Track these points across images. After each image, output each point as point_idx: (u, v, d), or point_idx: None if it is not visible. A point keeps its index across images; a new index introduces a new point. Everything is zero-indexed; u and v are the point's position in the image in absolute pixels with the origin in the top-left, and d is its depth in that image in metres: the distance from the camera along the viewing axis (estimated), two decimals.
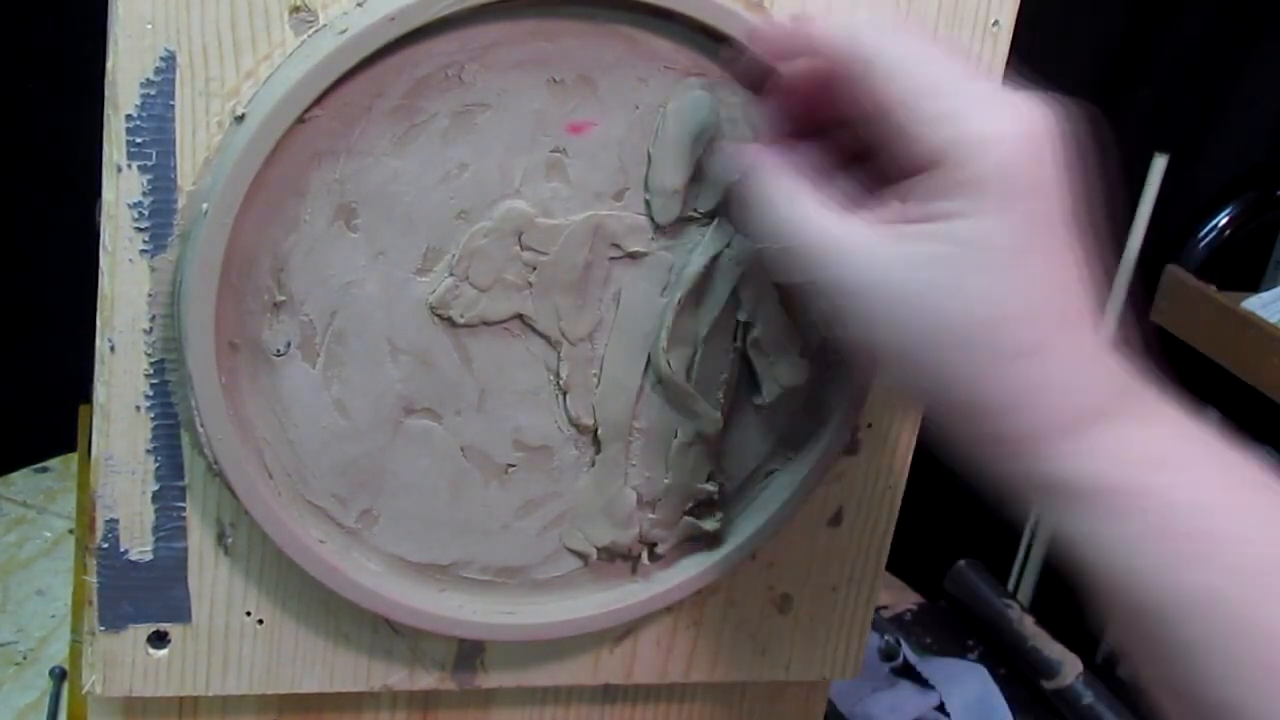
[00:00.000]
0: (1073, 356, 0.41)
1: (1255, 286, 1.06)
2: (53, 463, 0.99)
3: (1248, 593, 0.38)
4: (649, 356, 0.50)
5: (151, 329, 0.46)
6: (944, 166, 0.40)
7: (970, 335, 0.40)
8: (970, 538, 1.04)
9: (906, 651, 0.89)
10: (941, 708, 0.85)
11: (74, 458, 0.92)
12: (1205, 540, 0.39)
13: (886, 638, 0.90)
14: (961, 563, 1.00)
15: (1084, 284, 0.42)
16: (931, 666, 0.88)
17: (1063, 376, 0.40)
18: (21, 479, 0.97)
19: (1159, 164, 1.02)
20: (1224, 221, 1.06)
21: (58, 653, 0.79)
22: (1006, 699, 0.87)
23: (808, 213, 0.42)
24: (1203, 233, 1.07)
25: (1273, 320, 0.90)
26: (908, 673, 0.88)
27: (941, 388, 0.41)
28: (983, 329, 0.40)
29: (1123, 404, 0.41)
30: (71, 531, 0.90)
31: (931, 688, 0.86)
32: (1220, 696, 0.38)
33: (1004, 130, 0.40)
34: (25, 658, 0.80)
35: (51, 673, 0.75)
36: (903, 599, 0.99)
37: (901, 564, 0.58)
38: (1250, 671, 0.38)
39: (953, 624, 0.97)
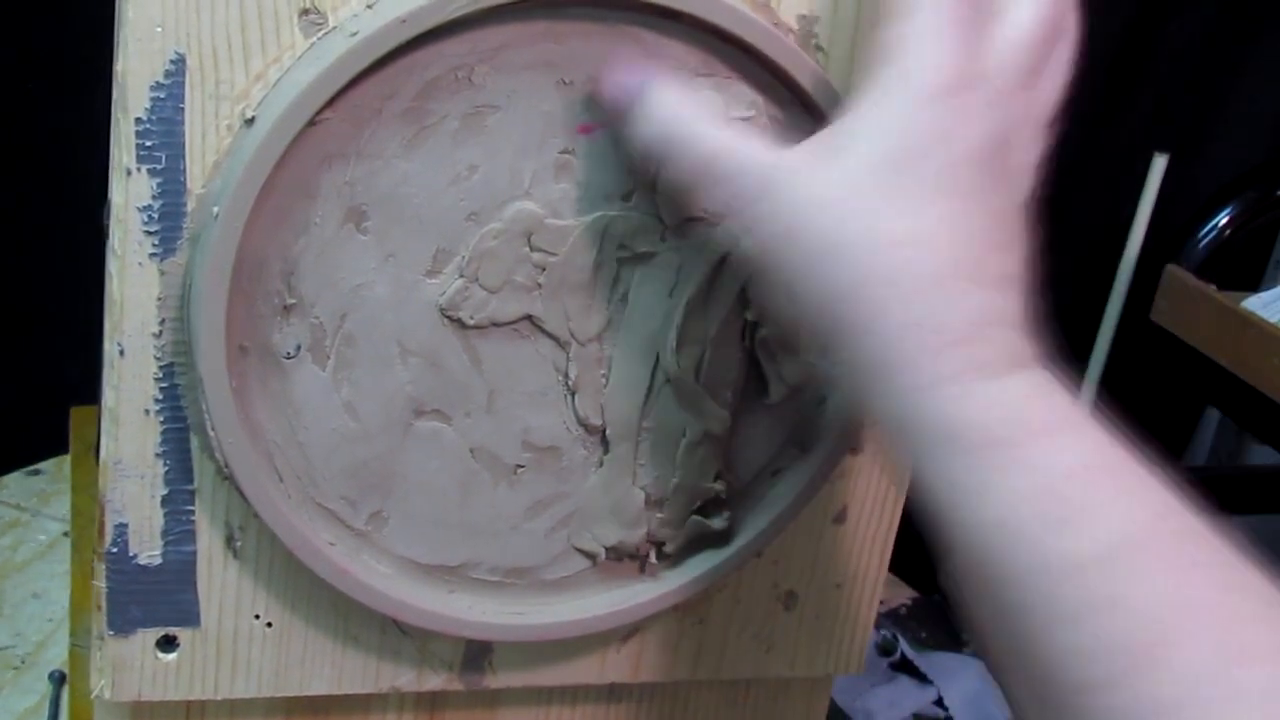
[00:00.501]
0: (983, 305, 0.40)
1: (1255, 286, 1.06)
2: (45, 465, 0.99)
3: (1111, 568, 0.37)
4: (657, 356, 0.50)
5: (161, 333, 0.46)
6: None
7: (885, 254, 0.40)
8: None
9: (904, 646, 0.89)
10: (940, 702, 0.86)
11: (66, 460, 0.92)
12: (1078, 509, 0.38)
13: (884, 633, 0.90)
14: None
15: (1013, 251, 0.41)
16: (929, 661, 0.89)
17: (969, 318, 0.40)
18: (14, 482, 0.97)
19: (1159, 164, 1.03)
20: (1224, 221, 1.07)
21: (56, 656, 0.79)
22: (1002, 692, 0.88)
23: (708, 127, 0.43)
24: (1203, 233, 1.08)
25: (1273, 320, 0.91)
26: (906, 668, 0.88)
27: (840, 305, 0.40)
28: (900, 247, 0.40)
29: (1017, 366, 0.40)
30: (66, 534, 0.90)
31: (929, 682, 0.87)
32: (1070, 674, 0.37)
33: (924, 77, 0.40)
34: (23, 661, 0.79)
35: (51, 677, 0.75)
36: (898, 594, 0.99)
37: (896, 559, 0.59)
38: (1105, 650, 0.37)
39: (948, 618, 0.97)
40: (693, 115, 0.44)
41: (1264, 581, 0.38)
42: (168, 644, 0.50)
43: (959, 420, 0.39)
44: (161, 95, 0.43)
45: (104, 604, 0.49)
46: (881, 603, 0.96)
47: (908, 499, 0.56)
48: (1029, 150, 0.43)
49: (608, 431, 0.50)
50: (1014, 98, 0.42)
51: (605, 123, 0.46)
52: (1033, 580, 0.38)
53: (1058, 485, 0.39)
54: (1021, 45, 0.42)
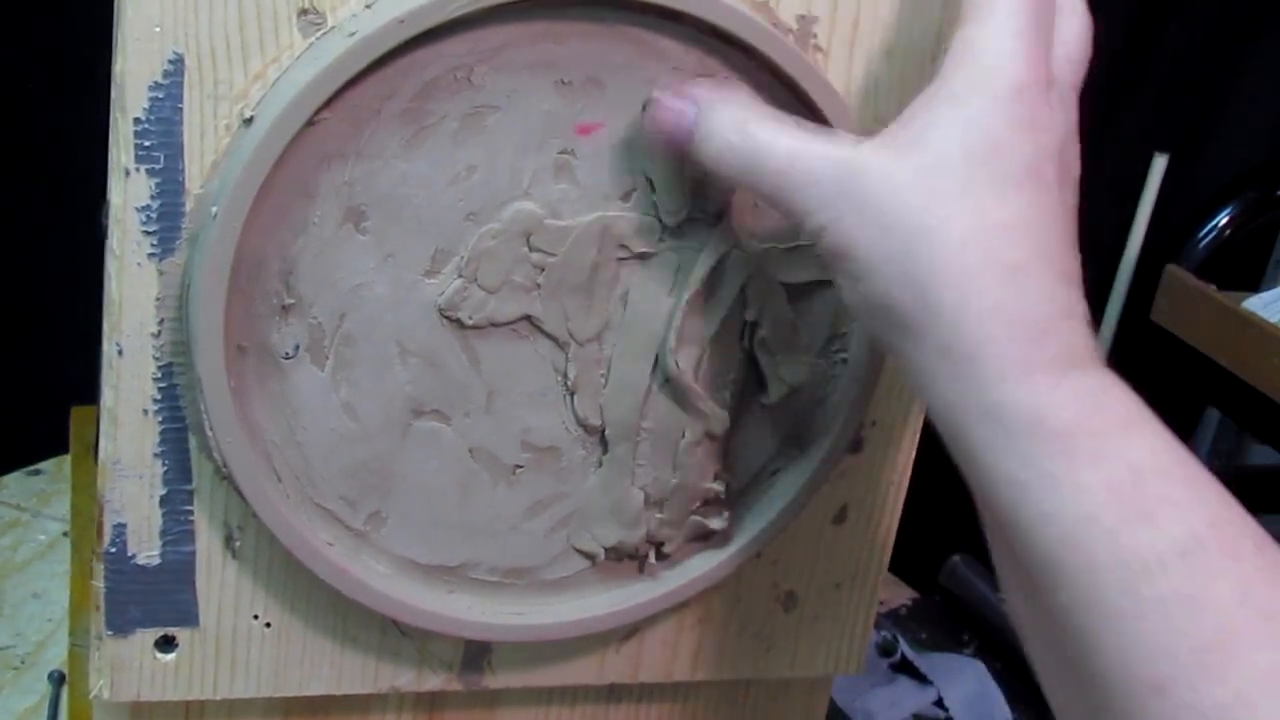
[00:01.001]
0: (1063, 298, 0.40)
1: (1255, 286, 1.06)
2: (45, 465, 0.99)
3: (1190, 565, 0.37)
4: (656, 357, 0.50)
5: (160, 333, 0.46)
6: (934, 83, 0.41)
7: (973, 240, 0.40)
8: (964, 533, 1.05)
9: (904, 647, 0.89)
10: (940, 703, 0.86)
11: (66, 460, 0.92)
12: (1157, 504, 0.38)
13: (884, 633, 0.90)
14: (956, 557, 1.00)
15: (1077, 249, 0.42)
16: (929, 662, 0.89)
17: (1052, 309, 0.40)
18: (14, 482, 0.97)
19: (1159, 164, 1.03)
20: (1224, 221, 1.07)
21: (55, 656, 0.79)
22: (1003, 693, 0.88)
23: (777, 135, 0.43)
24: (1203, 233, 1.08)
25: (1273, 320, 0.90)
26: (906, 668, 0.88)
27: (925, 291, 0.40)
28: (987, 234, 0.40)
29: (1091, 361, 0.41)
30: (66, 534, 0.90)
31: (929, 683, 0.87)
32: (1141, 670, 0.37)
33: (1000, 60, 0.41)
34: (23, 661, 0.79)
35: (50, 677, 0.75)
36: (897, 594, 0.99)
37: (895, 559, 0.58)
38: (1181, 648, 0.37)
39: (948, 619, 0.97)
40: (758, 127, 0.43)
41: None
42: (166, 644, 0.50)
43: (1044, 410, 0.39)
44: (160, 95, 0.43)
45: (103, 604, 0.49)
46: (881, 603, 0.96)
47: (908, 500, 0.56)
48: (1078, 156, 0.44)
49: (607, 432, 0.50)
50: (1072, 107, 0.43)
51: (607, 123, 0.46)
52: (1110, 575, 0.38)
53: (1138, 480, 0.39)
54: (1074, 58, 0.43)
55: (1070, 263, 0.41)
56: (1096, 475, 0.39)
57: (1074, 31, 0.44)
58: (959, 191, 0.40)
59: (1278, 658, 0.37)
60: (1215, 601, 0.37)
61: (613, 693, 0.58)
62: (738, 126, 0.43)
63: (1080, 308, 0.41)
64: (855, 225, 0.41)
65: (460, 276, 0.47)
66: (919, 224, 0.40)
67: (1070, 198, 0.42)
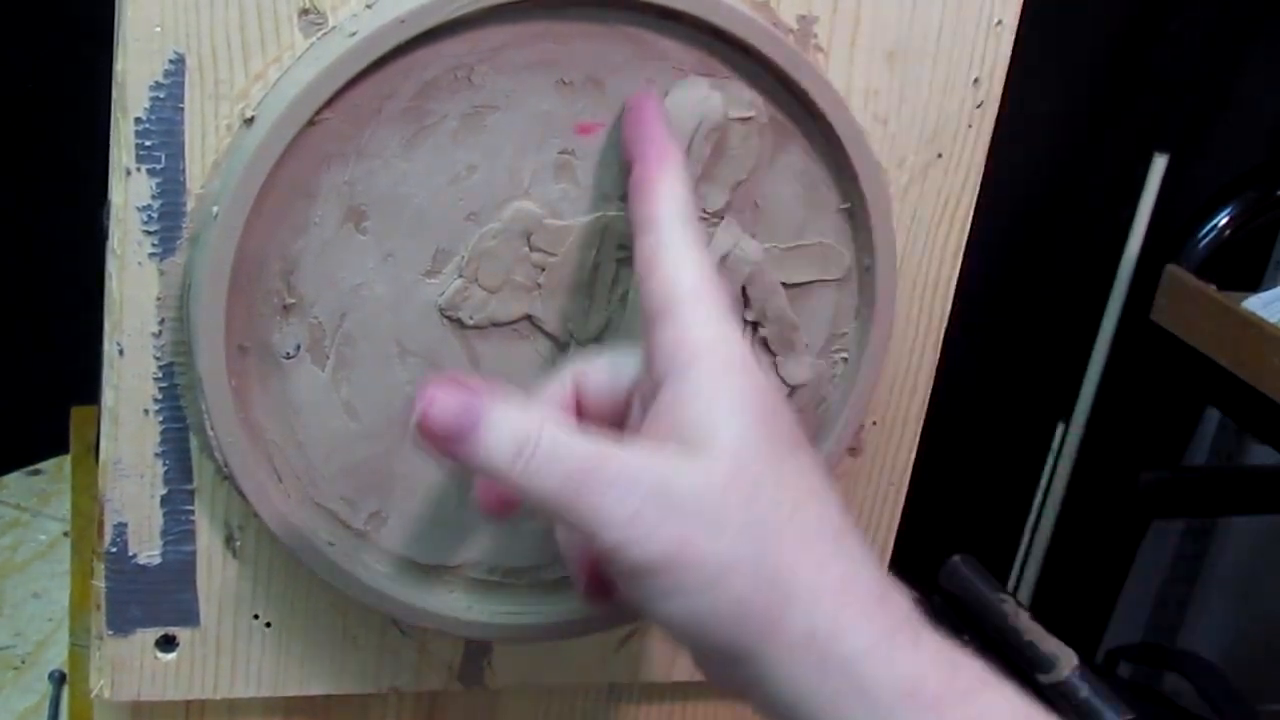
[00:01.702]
0: (874, 561, 0.40)
1: (1255, 286, 1.06)
2: (45, 465, 0.99)
3: None
4: None
5: (160, 332, 0.46)
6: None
7: (801, 522, 0.39)
8: (964, 533, 1.05)
9: None
10: None
11: (66, 460, 0.92)
12: None
13: None
14: (955, 558, 1.00)
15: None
16: None
17: (878, 571, 0.40)
18: (14, 481, 0.97)
19: (1159, 164, 1.03)
20: (1224, 221, 1.07)
21: (56, 656, 0.79)
22: None
23: (567, 440, 0.40)
24: (1203, 233, 1.08)
25: (1273, 320, 0.90)
26: None
27: (779, 586, 0.39)
28: (810, 511, 0.39)
29: (925, 624, 0.40)
30: (66, 534, 0.90)
31: None
32: None
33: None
34: (24, 661, 0.79)
35: (51, 676, 0.75)
36: None
37: (895, 559, 0.58)
38: None
39: (947, 619, 0.97)
40: (551, 431, 0.39)
41: None
42: (167, 644, 0.50)
43: (913, 679, 0.38)
44: (161, 95, 0.43)
45: (103, 603, 0.49)
46: None
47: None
48: None
49: None
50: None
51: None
52: None
53: None
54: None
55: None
56: None
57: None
58: (775, 479, 0.39)
59: None
60: None
61: (613, 692, 0.58)
62: (522, 435, 0.39)
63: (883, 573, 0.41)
64: (691, 534, 0.38)
65: (461, 276, 0.47)
66: (754, 521, 0.39)
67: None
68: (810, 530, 0.39)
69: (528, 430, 0.39)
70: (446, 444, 0.39)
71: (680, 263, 0.42)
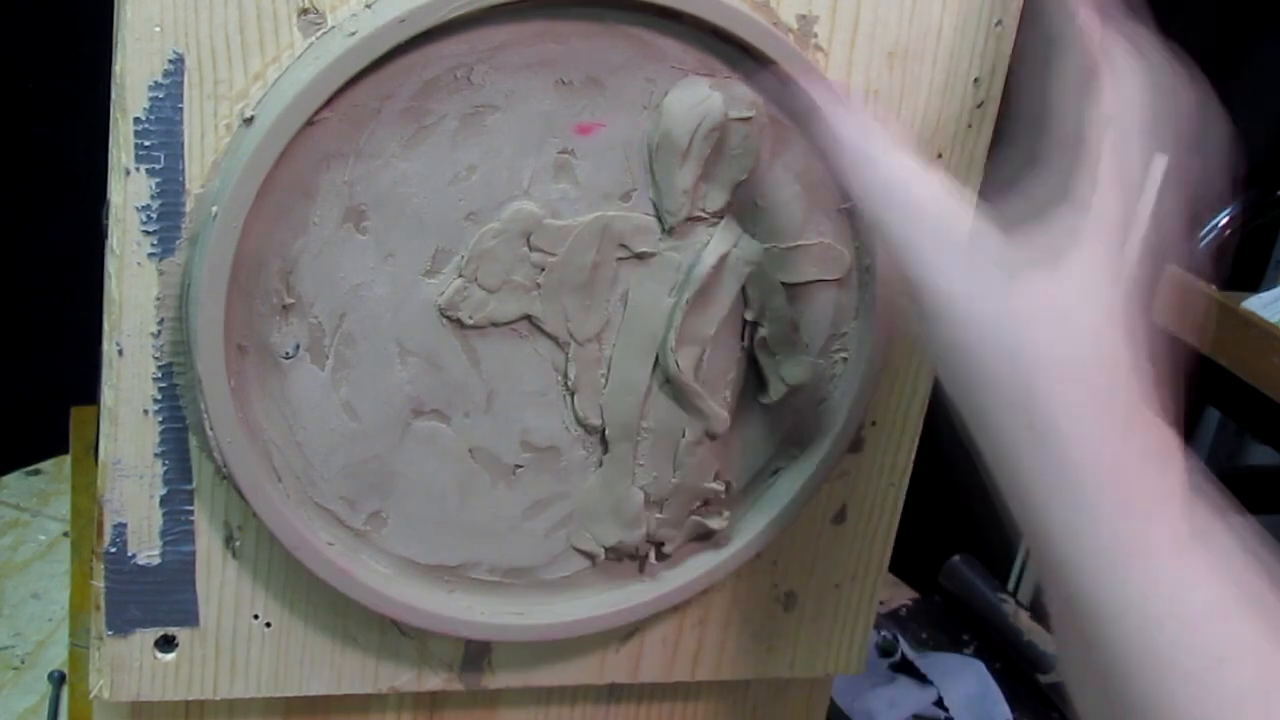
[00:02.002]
0: (1165, 435, 0.42)
1: (1255, 286, 1.06)
2: (45, 465, 0.99)
3: (1268, 703, 0.38)
4: (656, 356, 0.50)
5: (160, 332, 0.46)
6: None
7: (1094, 378, 0.41)
8: (963, 533, 1.05)
9: (904, 647, 0.89)
10: (940, 703, 0.86)
11: (66, 460, 0.92)
12: (1202, 569, 0.39)
13: (884, 634, 0.90)
14: (956, 558, 1.00)
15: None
16: (929, 662, 0.89)
17: (1165, 439, 0.42)
18: (14, 482, 0.97)
19: (1159, 164, 1.03)
20: (1224, 221, 1.07)
21: (56, 656, 0.79)
22: (1003, 693, 0.88)
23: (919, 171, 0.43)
24: (1203, 233, 1.08)
25: (1273, 320, 0.90)
26: (906, 668, 0.88)
27: (1031, 407, 0.41)
28: (1105, 376, 0.41)
29: (1188, 496, 0.42)
30: (66, 534, 0.90)
31: (930, 683, 0.87)
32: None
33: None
34: (23, 661, 0.79)
35: (50, 677, 0.75)
36: (898, 595, 0.99)
37: (896, 559, 0.59)
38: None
39: (948, 619, 0.97)
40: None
41: None
42: (167, 644, 0.50)
43: (1144, 545, 0.40)
44: (160, 95, 0.43)
45: (103, 604, 0.49)
46: (881, 603, 0.96)
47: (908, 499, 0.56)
48: None
49: (607, 432, 0.50)
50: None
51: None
52: (1181, 671, 0.39)
53: (1219, 620, 0.39)
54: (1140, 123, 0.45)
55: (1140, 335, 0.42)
56: (1155, 532, 0.40)
57: (1132, 92, 0.44)
58: (1094, 332, 0.41)
59: None
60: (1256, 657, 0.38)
61: (613, 693, 0.58)
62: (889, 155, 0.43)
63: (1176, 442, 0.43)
64: (986, 337, 0.41)
65: (460, 276, 0.47)
66: (1039, 321, 0.41)
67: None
68: (1083, 376, 0.41)
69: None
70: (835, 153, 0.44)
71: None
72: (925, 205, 0.42)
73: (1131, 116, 0.44)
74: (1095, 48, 0.44)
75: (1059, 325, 0.41)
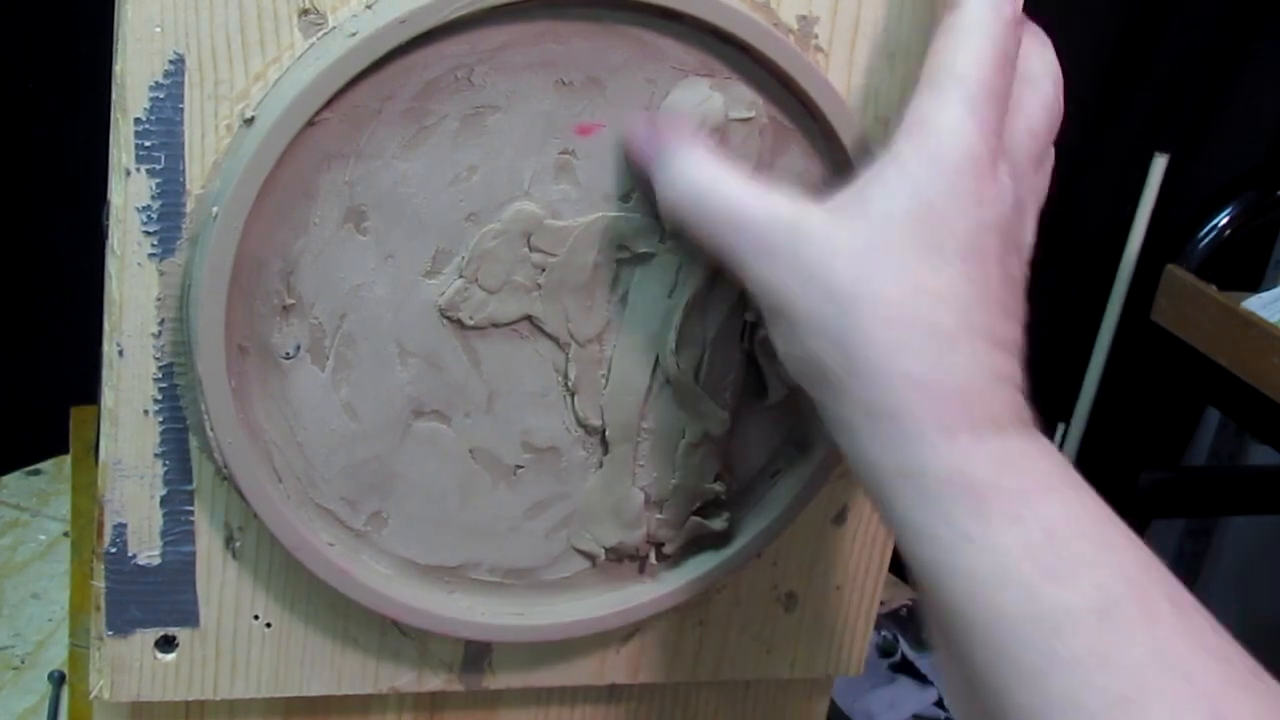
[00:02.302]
0: (994, 364, 0.41)
1: (1255, 286, 1.06)
2: (45, 465, 0.99)
3: (1105, 622, 0.38)
4: (657, 357, 0.50)
5: (160, 333, 0.46)
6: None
7: (907, 303, 0.41)
8: None
9: (905, 647, 0.89)
10: (940, 704, 0.86)
11: (66, 460, 0.92)
12: (1075, 563, 0.39)
13: (884, 634, 0.90)
14: None
15: (1018, 320, 0.43)
16: (929, 662, 0.89)
17: (980, 374, 0.41)
18: (14, 481, 0.97)
19: (1159, 164, 1.03)
20: (1224, 221, 1.07)
21: (55, 656, 0.79)
22: None
23: (731, 187, 0.44)
24: (1203, 233, 1.08)
25: (1273, 320, 0.90)
26: (906, 669, 0.88)
27: (855, 351, 0.41)
28: (922, 298, 0.41)
29: (1020, 424, 0.41)
30: (66, 534, 0.90)
31: (930, 683, 0.87)
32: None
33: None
34: (23, 661, 0.79)
35: (50, 677, 0.75)
36: (898, 595, 0.99)
37: (896, 559, 0.59)
38: (1094, 703, 0.37)
39: None
40: (713, 176, 0.44)
41: (1242, 652, 0.39)
42: (167, 644, 0.50)
43: (962, 471, 0.40)
44: (160, 95, 0.43)
45: (103, 604, 0.49)
46: (882, 604, 0.96)
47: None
48: (1031, 230, 0.45)
49: (607, 432, 0.50)
50: (1026, 178, 0.44)
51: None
52: (1023, 631, 0.39)
53: (1053, 541, 0.39)
54: (1034, 132, 0.44)
55: (1005, 331, 0.42)
56: (1011, 536, 0.39)
57: (1039, 100, 0.44)
58: (895, 261, 0.41)
59: (1189, 716, 0.37)
60: (1129, 659, 0.38)
61: (613, 693, 0.58)
62: (695, 172, 0.44)
63: (1012, 373, 0.42)
64: (793, 284, 0.42)
65: (461, 277, 0.47)
66: (853, 291, 0.41)
67: (1015, 269, 0.43)
68: (905, 323, 0.41)
69: (700, 174, 0.45)
70: (640, 168, 0.46)
71: (967, 46, 0.42)
72: (751, 214, 0.43)
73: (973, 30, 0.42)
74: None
75: (858, 259, 0.41)
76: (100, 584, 0.49)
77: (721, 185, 0.44)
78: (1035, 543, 0.39)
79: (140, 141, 0.43)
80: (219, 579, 0.50)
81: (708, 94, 0.47)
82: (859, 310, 0.41)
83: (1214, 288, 0.98)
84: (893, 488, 0.41)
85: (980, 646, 0.39)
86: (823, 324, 0.41)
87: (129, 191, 0.44)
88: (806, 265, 0.42)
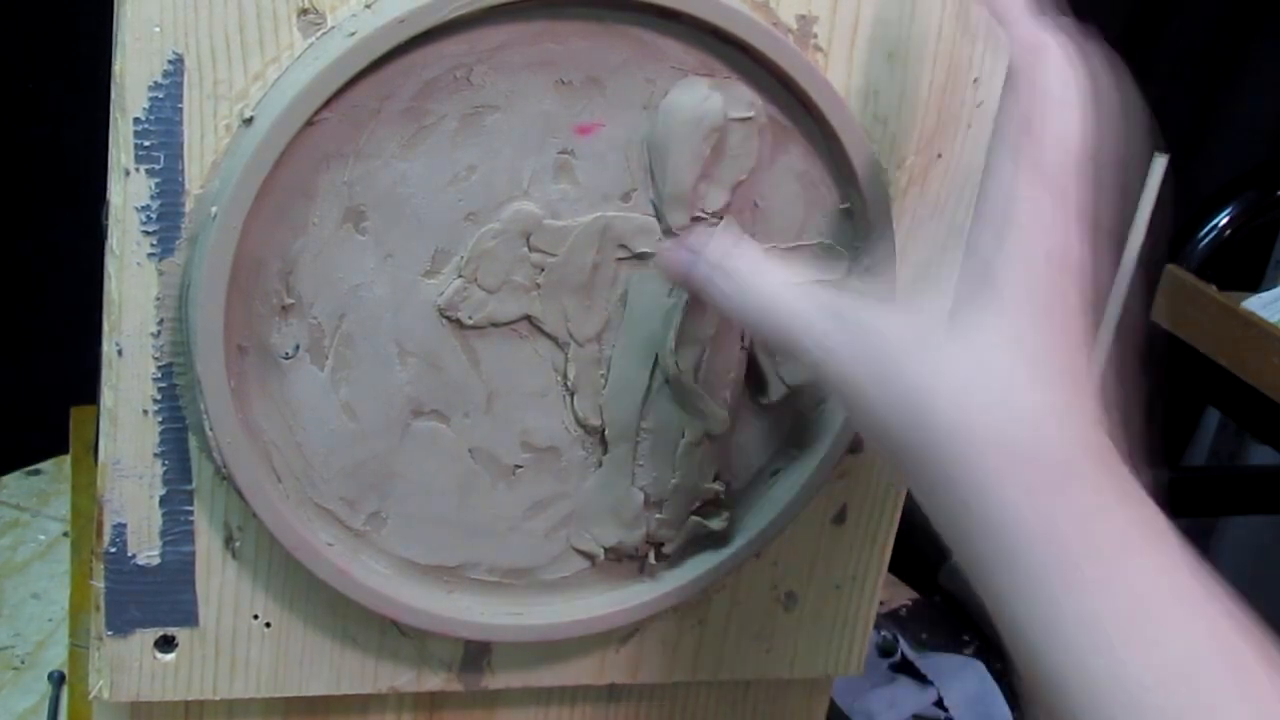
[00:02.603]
0: (1065, 406, 0.41)
1: (1255, 286, 1.06)
2: (45, 465, 0.99)
3: (1191, 685, 0.37)
4: (656, 357, 0.50)
5: (159, 333, 0.46)
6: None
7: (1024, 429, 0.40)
8: None
9: (904, 647, 0.89)
10: (940, 703, 0.86)
11: (66, 460, 0.92)
12: (1153, 629, 0.38)
13: (884, 634, 0.90)
14: (956, 558, 1.00)
15: (1085, 349, 0.42)
16: (929, 662, 0.89)
17: (1068, 433, 0.40)
18: (14, 481, 0.97)
19: (1159, 164, 1.03)
20: (1224, 221, 1.07)
21: (55, 656, 0.79)
22: (1003, 693, 0.88)
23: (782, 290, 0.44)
24: (1203, 233, 1.08)
25: (1273, 320, 0.90)
26: (906, 669, 0.88)
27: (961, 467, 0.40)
28: (1038, 424, 0.40)
29: (1104, 475, 0.41)
30: (66, 534, 0.90)
31: (930, 683, 0.87)
32: None
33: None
34: (23, 662, 0.79)
35: (50, 677, 0.75)
36: (898, 595, 0.99)
37: (895, 559, 0.59)
38: None
39: (948, 619, 0.97)
40: (762, 279, 0.44)
41: None
42: (166, 644, 0.50)
43: (1052, 535, 0.39)
44: (160, 95, 0.43)
45: (102, 604, 0.49)
46: (881, 603, 0.96)
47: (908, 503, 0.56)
48: (1081, 243, 0.43)
49: (607, 432, 0.50)
50: (1070, 195, 0.42)
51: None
52: (1113, 694, 0.38)
53: (1140, 605, 0.39)
54: (1069, 149, 0.42)
55: (1076, 363, 0.41)
56: (1100, 603, 0.39)
57: (1068, 125, 0.42)
58: (999, 401, 0.40)
59: None
60: (1222, 714, 0.37)
61: (613, 693, 0.58)
62: (743, 279, 0.45)
63: (1089, 408, 0.41)
64: (877, 396, 0.41)
65: (460, 276, 0.47)
66: (950, 421, 0.40)
67: (1074, 298, 0.42)
68: (996, 445, 0.40)
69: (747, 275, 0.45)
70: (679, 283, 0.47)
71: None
72: (808, 312, 0.43)
73: (1052, 130, 0.42)
74: (1023, 52, 0.42)
75: (960, 397, 0.40)
76: (100, 584, 0.49)
77: (772, 283, 0.44)
78: (1121, 610, 0.38)
79: (139, 141, 0.43)
80: (218, 579, 0.50)
81: (707, 94, 0.47)
82: (962, 447, 0.40)
83: (1214, 288, 0.98)
84: (975, 546, 0.40)
85: (1072, 708, 0.39)
86: (909, 439, 0.41)
87: (128, 191, 0.44)
88: (899, 385, 0.41)
